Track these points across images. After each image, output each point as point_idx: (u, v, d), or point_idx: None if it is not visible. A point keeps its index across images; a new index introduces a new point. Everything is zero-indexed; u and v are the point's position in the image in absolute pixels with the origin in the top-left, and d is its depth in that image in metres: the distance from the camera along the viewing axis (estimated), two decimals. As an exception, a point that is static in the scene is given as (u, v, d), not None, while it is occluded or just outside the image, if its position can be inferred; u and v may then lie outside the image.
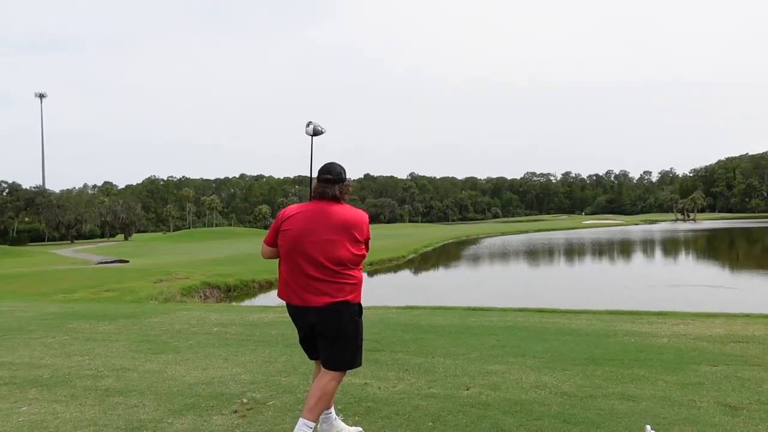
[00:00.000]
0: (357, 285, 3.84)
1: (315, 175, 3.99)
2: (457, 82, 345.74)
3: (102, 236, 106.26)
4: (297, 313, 3.89)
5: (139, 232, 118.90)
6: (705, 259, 38.65)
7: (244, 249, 48.68)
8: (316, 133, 4.29)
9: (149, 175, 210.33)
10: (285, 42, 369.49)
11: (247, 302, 21.30)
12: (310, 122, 4.27)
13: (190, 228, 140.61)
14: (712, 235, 65.22)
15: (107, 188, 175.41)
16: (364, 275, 4.13)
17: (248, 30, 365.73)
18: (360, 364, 3.98)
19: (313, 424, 3.71)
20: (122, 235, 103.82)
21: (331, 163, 3.93)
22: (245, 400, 4.93)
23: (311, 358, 4.10)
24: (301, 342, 4.06)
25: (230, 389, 5.30)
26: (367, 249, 3.92)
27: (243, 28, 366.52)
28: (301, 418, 3.72)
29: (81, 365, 6.45)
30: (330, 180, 3.85)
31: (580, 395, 4.81)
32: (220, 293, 23.52)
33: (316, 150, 4.25)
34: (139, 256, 46.91)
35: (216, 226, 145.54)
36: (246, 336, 8.16)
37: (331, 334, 3.80)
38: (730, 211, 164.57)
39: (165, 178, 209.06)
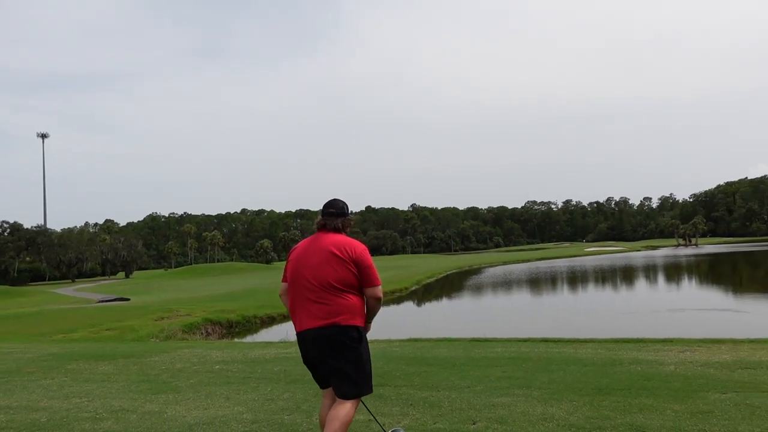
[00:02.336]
0: (351, 309, 3.85)
1: None
2: (457, 111, 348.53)
3: (103, 274, 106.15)
4: (300, 339, 3.98)
5: (140, 269, 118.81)
6: (708, 283, 38.47)
7: (245, 284, 48.56)
8: None
9: (150, 212, 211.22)
10: (284, 77, 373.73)
11: (249, 338, 21.13)
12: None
13: (191, 264, 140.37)
14: (715, 259, 65.05)
15: (108, 226, 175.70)
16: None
17: (247, 65, 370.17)
18: (370, 392, 3.97)
19: None
20: (123, 273, 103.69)
21: (334, 199, 4.12)
22: (247, 440, 4.83)
23: (322, 387, 4.10)
24: (312, 371, 4.10)
25: (232, 429, 5.21)
26: (368, 276, 3.91)
27: (242, 62, 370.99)
28: None
29: (79, 407, 6.35)
30: (333, 213, 4.04)
31: (589, 427, 4.71)
32: (221, 329, 23.34)
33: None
34: (141, 294, 46.76)
35: (218, 261, 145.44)
36: (248, 373, 8.06)
37: (330, 360, 3.83)
38: (731, 235, 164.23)
39: (166, 215, 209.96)
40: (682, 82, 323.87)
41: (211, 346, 12.47)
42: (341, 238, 3.95)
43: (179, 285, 58.75)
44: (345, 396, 3.84)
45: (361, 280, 3.90)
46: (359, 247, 3.94)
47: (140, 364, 9.52)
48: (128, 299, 39.52)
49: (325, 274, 3.83)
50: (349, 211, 4.12)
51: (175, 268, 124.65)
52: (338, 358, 3.83)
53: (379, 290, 3.99)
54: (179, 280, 71.84)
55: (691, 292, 32.66)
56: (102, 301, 38.26)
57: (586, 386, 6.12)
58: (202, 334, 21.87)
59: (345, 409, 3.80)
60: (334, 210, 4.03)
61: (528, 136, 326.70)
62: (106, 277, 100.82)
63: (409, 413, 5.44)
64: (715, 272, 47.55)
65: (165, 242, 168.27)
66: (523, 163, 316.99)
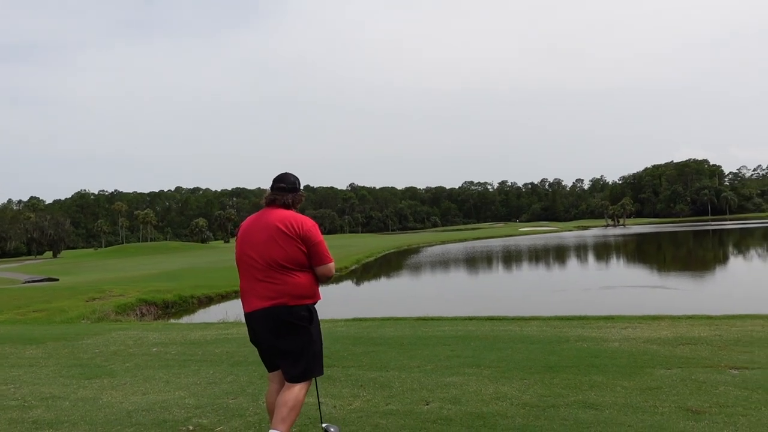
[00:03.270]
0: (300, 287, 3.66)
1: None
2: (396, 91, 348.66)
3: (29, 254, 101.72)
4: (247, 319, 3.80)
5: (68, 248, 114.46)
6: (635, 262, 39.89)
7: (181, 263, 47.37)
8: None
9: (79, 190, 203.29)
10: (221, 52, 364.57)
11: (186, 319, 20.56)
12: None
13: (123, 243, 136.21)
14: (641, 239, 67.60)
15: (33, 203, 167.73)
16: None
17: (182, 40, 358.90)
18: (320, 374, 3.83)
19: None
20: (50, 253, 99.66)
21: (285, 173, 3.91)
22: (191, 427, 4.59)
23: (270, 370, 3.90)
24: (260, 353, 3.91)
25: (174, 415, 4.94)
26: (317, 253, 3.72)
27: (175, 38, 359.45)
28: (272, 430, 3.54)
29: (5, 395, 5.93)
30: (283, 188, 3.82)
31: (542, 405, 4.69)
32: (157, 310, 22.63)
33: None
34: (70, 274, 44.96)
35: (151, 240, 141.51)
36: (188, 356, 7.75)
37: (278, 341, 3.66)
38: (656, 216, 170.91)
39: (96, 192, 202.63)
40: (614, 69, 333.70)
41: (147, 327, 12.01)
42: (289, 214, 3.74)
43: (111, 265, 56.80)
44: (294, 379, 3.67)
45: (310, 257, 3.71)
46: (307, 223, 3.73)
47: (71, 347, 9.05)
48: (57, 279, 37.90)
49: (272, 252, 3.63)
50: (301, 187, 3.92)
51: (105, 247, 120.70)
52: (287, 340, 3.66)
53: (331, 267, 3.81)
54: (110, 260, 69.49)
55: (620, 270, 33.78)
56: (28, 282, 36.56)
57: (535, 364, 6.13)
58: (136, 315, 21.14)
59: (293, 393, 3.63)
60: (285, 185, 3.82)
61: (467, 118, 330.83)
62: (32, 257, 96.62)
63: (359, 395, 5.30)
64: (642, 251, 49.39)
65: (94, 221, 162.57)
66: (461, 144, 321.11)
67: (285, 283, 3.63)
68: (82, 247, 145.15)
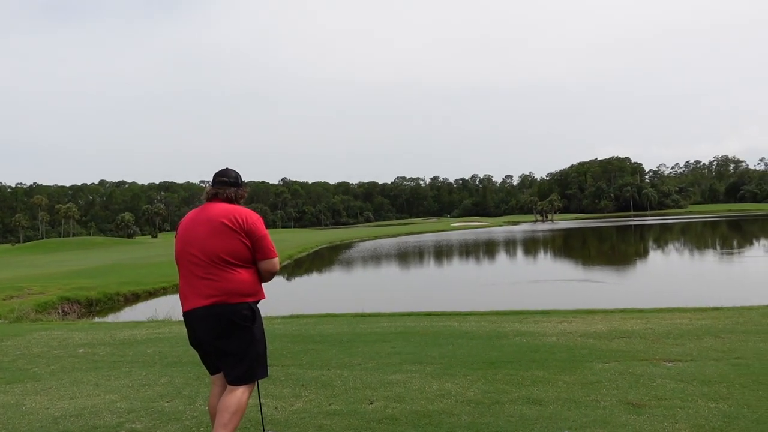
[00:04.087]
0: (242, 284, 3.50)
1: None
2: (327, 85, 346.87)
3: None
4: (186, 319, 3.61)
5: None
6: (562, 256, 41.07)
7: (105, 259, 45.62)
8: None
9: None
10: (147, 41, 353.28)
11: (111, 317, 19.77)
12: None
13: (43, 238, 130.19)
14: (568, 234, 69.74)
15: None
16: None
17: (106, 27, 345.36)
18: (263, 376, 3.69)
19: None
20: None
21: (226, 168, 3.78)
22: (124, 433, 4.35)
23: (212, 373, 3.72)
24: (200, 356, 3.73)
25: (105, 421, 4.69)
26: (262, 247, 3.58)
27: (99, 23, 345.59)
28: None
29: None
30: (225, 182, 3.68)
31: (487, 402, 4.69)
32: (80, 308, 21.66)
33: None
34: (-16, 271, 42.57)
35: (73, 235, 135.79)
36: (118, 357, 7.40)
37: (219, 342, 3.49)
38: (582, 211, 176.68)
39: (13, 185, 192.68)
40: (540, 67, 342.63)
41: (72, 327, 11.45)
42: (232, 208, 3.58)
43: (30, 261, 54.11)
44: (237, 381, 3.51)
45: (254, 252, 3.57)
46: (252, 217, 3.59)
47: (-11, 349, 8.50)
48: (-31, 277, 35.77)
49: (214, 246, 3.47)
50: (242, 183, 3.77)
51: (24, 242, 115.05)
52: (229, 340, 3.49)
53: (276, 262, 3.68)
54: (29, 256, 66.21)
55: (549, 264, 34.74)
56: (-63, 280, 34.36)
57: (477, 360, 6.15)
58: (58, 313, 20.18)
59: (236, 396, 3.47)
60: (227, 179, 3.68)
61: (398, 113, 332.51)
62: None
63: (301, 395, 5.17)
64: (568, 246, 50.90)
65: (12, 215, 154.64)
66: (393, 138, 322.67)
67: (226, 280, 3.46)
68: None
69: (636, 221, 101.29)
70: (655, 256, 37.72)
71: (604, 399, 4.62)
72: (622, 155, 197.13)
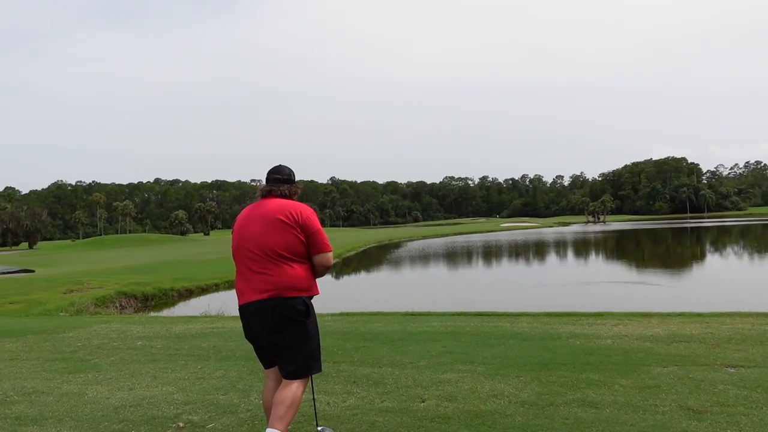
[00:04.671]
0: (296, 279, 3.53)
1: None
2: (378, 86, 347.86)
3: (4, 245, 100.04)
4: (241, 313, 3.66)
5: (45, 239, 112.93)
6: (616, 258, 40.15)
7: (160, 256, 46.85)
8: None
9: (56, 180, 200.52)
10: (199, 43, 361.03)
11: (166, 312, 20.29)
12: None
13: (101, 235, 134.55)
14: (621, 235, 68.15)
15: (9, 194, 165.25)
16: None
17: (160, 30, 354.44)
18: (318, 370, 3.72)
19: None
20: (27, 244, 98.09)
21: (280, 165, 3.82)
22: (181, 424, 4.46)
23: (266, 367, 3.77)
24: (255, 349, 3.78)
25: (163, 411, 4.80)
26: (317, 241, 3.61)
27: (153, 28, 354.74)
28: (269, 428, 3.40)
29: (-14, 390, 5.74)
30: (279, 179, 3.73)
31: (541, 403, 4.61)
32: (137, 303, 22.31)
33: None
34: (46, 266, 44.22)
35: (129, 232, 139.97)
36: (174, 350, 7.58)
37: (274, 336, 3.54)
38: (636, 213, 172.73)
39: (73, 183, 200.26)
40: (593, 66, 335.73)
41: (130, 320, 11.79)
42: (287, 203, 3.63)
43: (88, 256, 56.02)
44: (291, 376, 3.54)
45: (309, 246, 3.60)
46: (306, 211, 3.62)
47: (52, 340, 8.83)
48: (33, 271, 37.21)
49: (270, 241, 3.52)
50: (296, 179, 3.82)
51: (83, 239, 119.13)
52: (283, 334, 3.53)
53: (330, 257, 3.69)
54: (88, 252, 68.57)
55: (601, 266, 34.00)
56: (4, 273, 35.87)
57: (529, 361, 6.06)
58: (116, 307, 20.81)
59: (291, 390, 3.50)
60: (281, 176, 3.73)
61: (448, 113, 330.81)
62: (8, 248, 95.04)
63: (353, 391, 5.20)
64: (621, 248, 49.77)
65: (72, 212, 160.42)
66: (442, 139, 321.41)
67: (281, 275, 3.50)
68: (60, 239, 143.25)
69: (692, 223, 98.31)
70: (712, 259, 36.55)
71: (663, 404, 4.49)
72: (677, 155, 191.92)
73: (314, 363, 3.65)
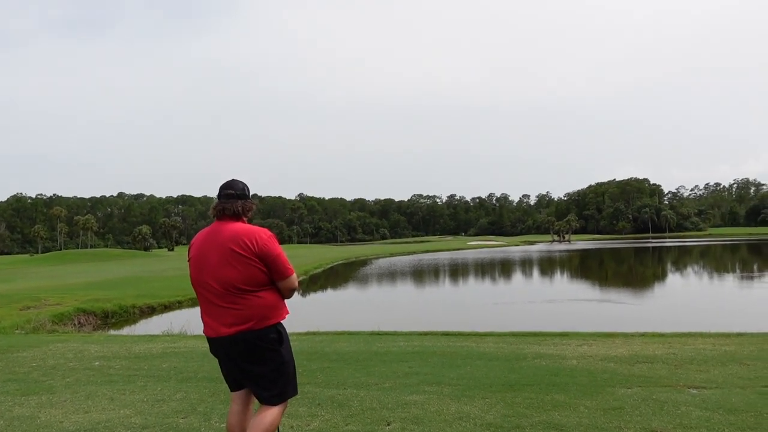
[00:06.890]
0: (265, 308, 3.41)
1: None
2: (345, 103, 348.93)
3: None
4: (213, 346, 3.53)
5: (2, 254, 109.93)
6: (579, 277, 40.66)
7: (122, 272, 45.90)
8: None
9: (15, 193, 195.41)
10: (166, 56, 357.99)
11: (127, 330, 19.81)
12: None
13: (61, 250, 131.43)
14: (585, 254, 69.15)
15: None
16: None
17: (127, 41, 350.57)
18: (294, 393, 3.61)
19: None
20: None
21: (233, 180, 3.64)
22: (138, 450, 4.30)
23: (233, 390, 3.65)
24: (222, 371, 3.64)
25: (119, 436, 4.63)
26: (277, 268, 3.45)
27: (121, 39, 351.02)
28: None
29: (-68, 413, 5.48)
30: (231, 195, 3.54)
31: (507, 426, 4.58)
32: (96, 320, 21.73)
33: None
34: (3, 281, 42.96)
35: (91, 247, 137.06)
36: (133, 371, 7.37)
37: (249, 366, 3.42)
38: (600, 232, 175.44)
39: (33, 196, 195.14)
40: (557, 88, 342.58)
41: (88, 339, 11.47)
42: (241, 229, 3.44)
43: (47, 272, 54.59)
44: (269, 402, 3.45)
45: (271, 273, 3.45)
46: (262, 237, 3.44)
47: (6, 360, 8.52)
48: (-12, 286, 36.13)
49: (229, 276, 3.36)
50: (250, 194, 3.67)
51: (42, 253, 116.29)
52: (258, 364, 3.42)
53: (294, 280, 3.56)
54: (47, 267, 66.85)
55: (564, 284, 34.38)
56: (-43, 289, 34.73)
57: (495, 382, 6.04)
58: (74, 325, 20.23)
59: (271, 415, 3.41)
60: (233, 191, 3.54)
61: (416, 131, 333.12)
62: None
63: (317, 414, 5.10)
64: (585, 266, 50.46)
65: (31, 225, 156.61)
66: (410, 157, 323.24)
67: (249, 307, 3.37)
68: (18, 253, 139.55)
69: (654, 243, 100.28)
70: (674, 278, 37.23)
71: (627, 426, 4.50)
72: (640, 176, 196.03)
73: (290, 387, 3.56)
